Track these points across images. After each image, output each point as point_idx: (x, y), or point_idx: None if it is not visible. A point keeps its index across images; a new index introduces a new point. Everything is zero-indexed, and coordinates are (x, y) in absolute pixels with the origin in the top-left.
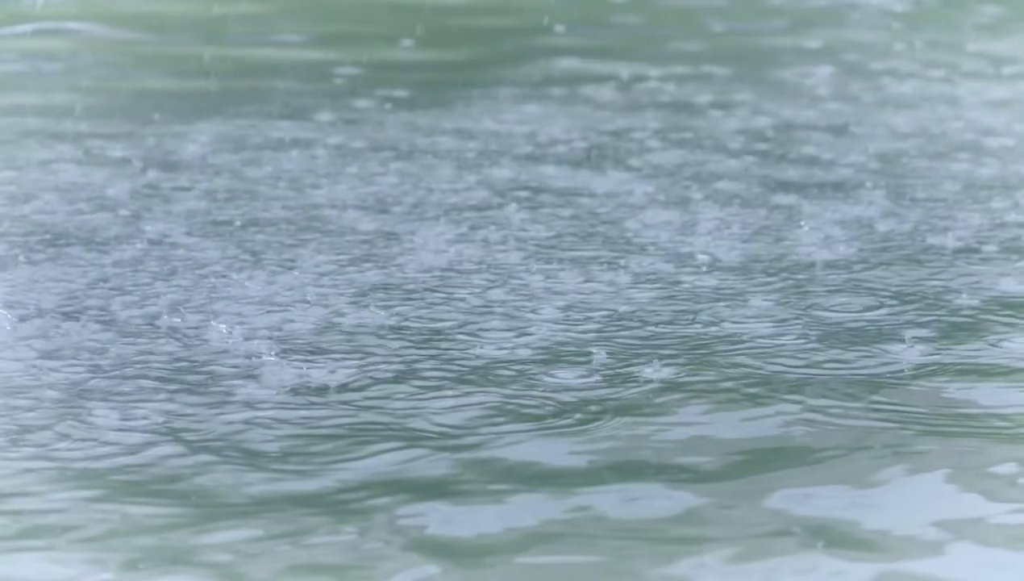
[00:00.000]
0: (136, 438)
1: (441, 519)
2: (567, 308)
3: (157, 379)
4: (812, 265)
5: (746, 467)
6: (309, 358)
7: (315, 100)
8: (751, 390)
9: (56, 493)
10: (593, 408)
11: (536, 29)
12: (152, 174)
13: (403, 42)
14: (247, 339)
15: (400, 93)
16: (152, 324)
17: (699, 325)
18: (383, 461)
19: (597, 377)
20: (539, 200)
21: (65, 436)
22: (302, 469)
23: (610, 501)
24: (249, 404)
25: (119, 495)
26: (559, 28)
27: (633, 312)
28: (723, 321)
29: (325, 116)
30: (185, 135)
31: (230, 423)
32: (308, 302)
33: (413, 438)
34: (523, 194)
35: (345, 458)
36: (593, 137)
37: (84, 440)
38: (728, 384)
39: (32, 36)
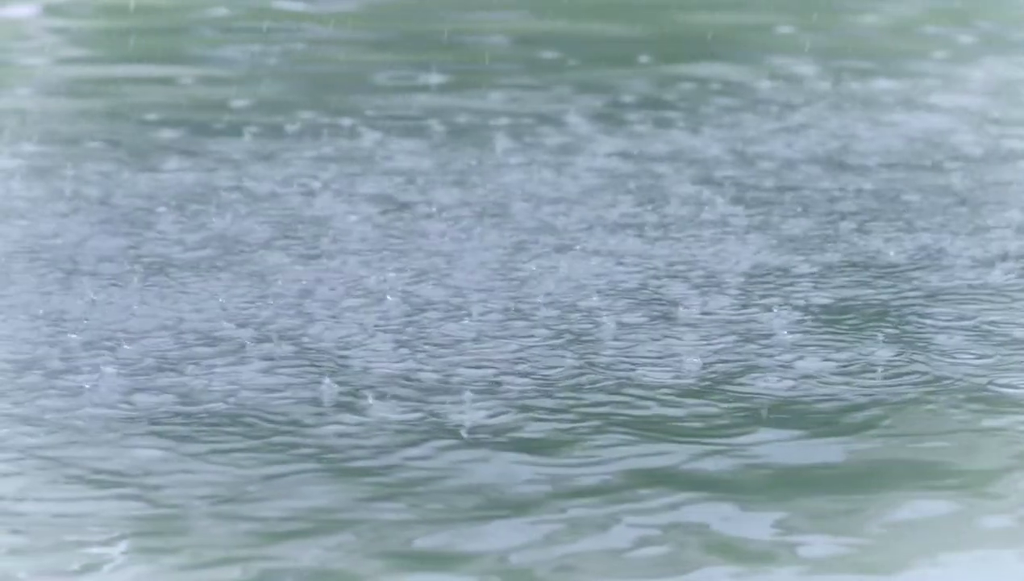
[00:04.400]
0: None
1: (723, 517)
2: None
3: (406, 377)
4: None
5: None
6: (555, 355)
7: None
8: None
9: (330, 495)
10: (862, 412)
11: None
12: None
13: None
14: (492, 339)
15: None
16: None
17: None
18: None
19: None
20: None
21: (322, 443)
22: (573, 462)
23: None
24: (507, 397)
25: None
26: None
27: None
28: None
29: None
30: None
31: (494, 420)
32: (545, 301)
33: (678, 436)
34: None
35: (613, 453)
36: None
37: (345, 437)
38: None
39: (233, 14)
